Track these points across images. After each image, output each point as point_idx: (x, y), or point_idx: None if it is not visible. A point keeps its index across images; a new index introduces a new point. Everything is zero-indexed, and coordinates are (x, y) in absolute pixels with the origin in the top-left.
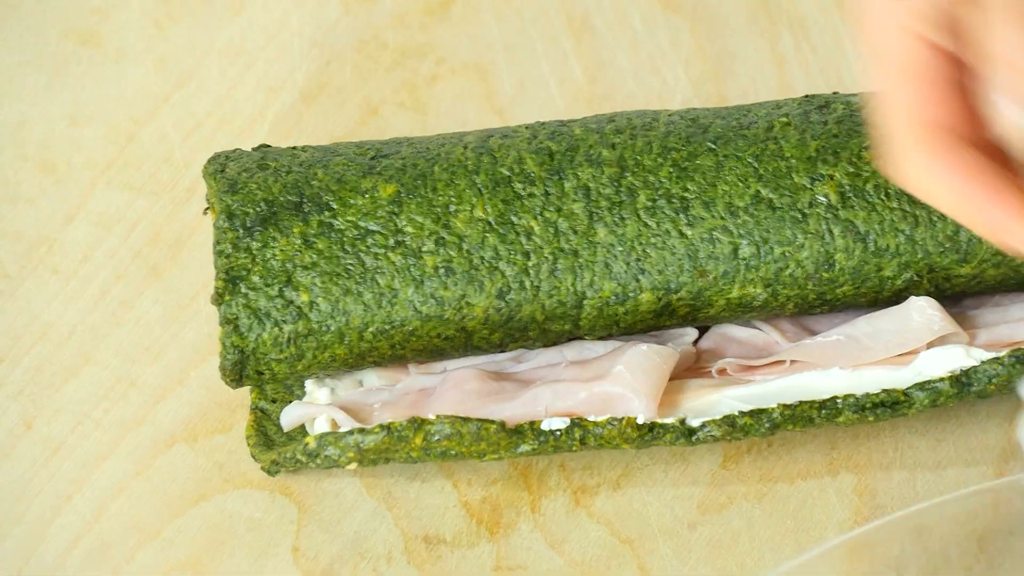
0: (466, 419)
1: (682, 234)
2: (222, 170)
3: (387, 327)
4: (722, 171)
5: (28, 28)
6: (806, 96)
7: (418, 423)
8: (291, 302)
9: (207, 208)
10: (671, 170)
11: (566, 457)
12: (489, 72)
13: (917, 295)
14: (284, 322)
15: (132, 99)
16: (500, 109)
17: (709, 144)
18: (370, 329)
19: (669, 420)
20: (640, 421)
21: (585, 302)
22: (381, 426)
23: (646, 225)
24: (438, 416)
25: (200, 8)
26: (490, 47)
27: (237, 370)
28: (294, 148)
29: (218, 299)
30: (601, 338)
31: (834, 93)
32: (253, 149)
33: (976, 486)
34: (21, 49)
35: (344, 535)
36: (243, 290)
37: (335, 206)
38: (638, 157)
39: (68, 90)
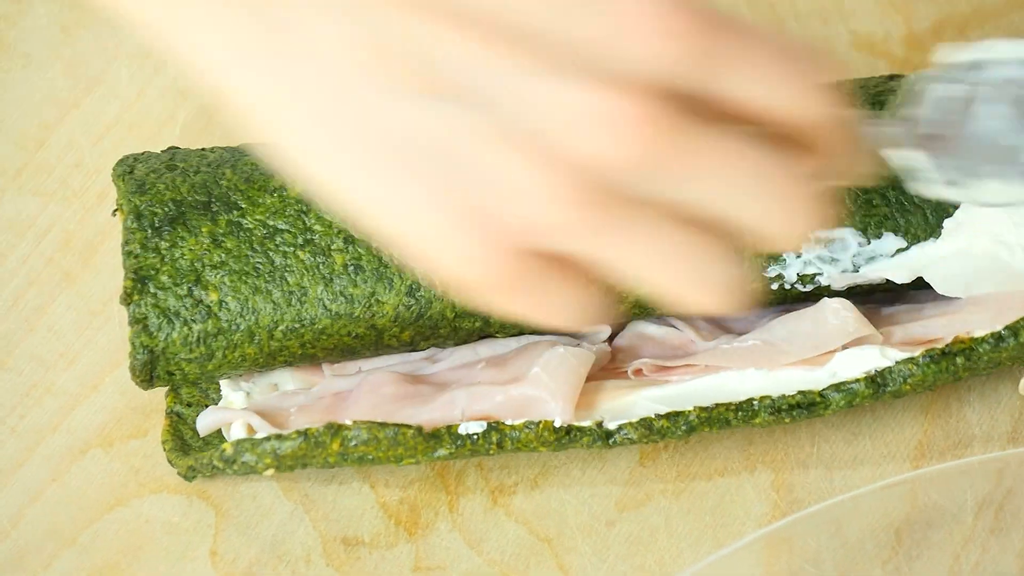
0: (383, 424)
1: None
2: (131, 171)
3: (297, 325)
4: None
5: None
6: None
7: (335, 428)
8: (200, 301)
9: (116, 209)
10: None
11: (484, 457)
12: None
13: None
14: (193, 321)
15: (41, 105)
16: None
17: None
18: (280, 328)
19: (586, 423)
20: (557, 424)
21: None
22: (298, 432)
23: None
24: (355, 422)
25: None
26: None
27: (147, 370)
28: (203, 149)
29: (127, 299)
30: (513, 335)
31: None
32: (162, 151)
33: (893, 479)
34: None
35: (262, 538)
36: (152, 290)
37: (243, 205)
38: None
39: None
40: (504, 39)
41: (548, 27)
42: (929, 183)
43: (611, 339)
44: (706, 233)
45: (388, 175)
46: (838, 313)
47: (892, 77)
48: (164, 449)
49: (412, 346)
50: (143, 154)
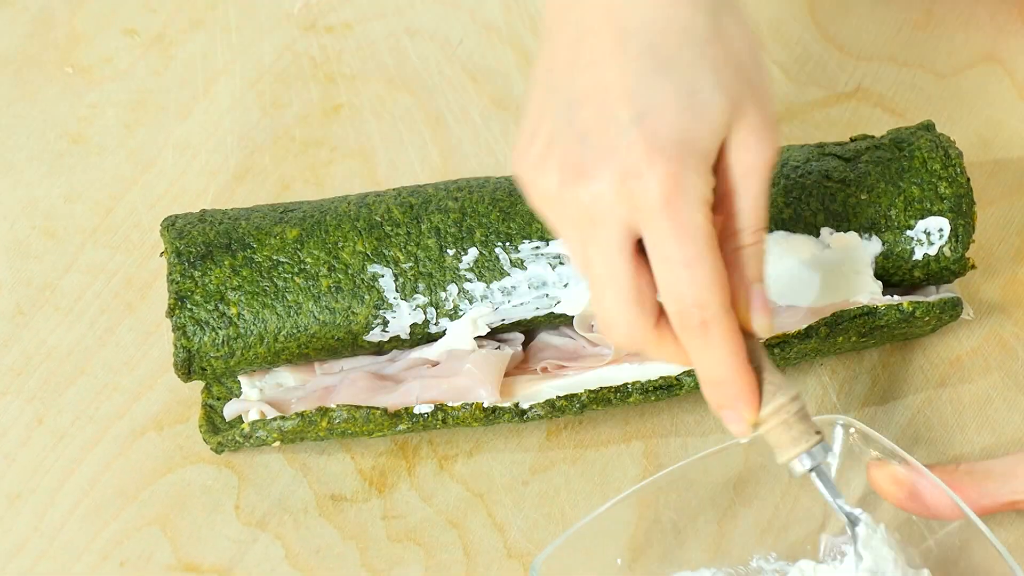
0: (359, 407)
1: (507, 258)
2: (173, 224)
3: (295, 331)
4: (535, 215)
5: (33, 131)
6: None
7: (324, 411)
8: (224, 314)
9: (162, 252)
10: (498, 214)
11: (433, 434)
12: (370, 156)
13: None
14: (219, 328)
15: (110, 182)
16: (378, 183)
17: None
18: (282, 333)
19: (506, 404)
20: (485, 405)
21: (439, 309)
22: (297, 414)
23: (481, 253)
24: (338, 405)
25: (158, 115)
26: (370, 138)
27: (186, 366)
28: (225, 210)
29: (170, 312)
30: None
31: None
32: (196, 212)
33: (728, 443)
34: (29, 147)
35: (272, 496)
36: (188, 306)
37: (254, 245)
38: (475, 206)
39: (63, 176)
40: None
41: None
42: None
43: (524, 345)
44: None
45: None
46: None
47: None
48: (200, 431)
49: (379, 348)
50: (183, 214)
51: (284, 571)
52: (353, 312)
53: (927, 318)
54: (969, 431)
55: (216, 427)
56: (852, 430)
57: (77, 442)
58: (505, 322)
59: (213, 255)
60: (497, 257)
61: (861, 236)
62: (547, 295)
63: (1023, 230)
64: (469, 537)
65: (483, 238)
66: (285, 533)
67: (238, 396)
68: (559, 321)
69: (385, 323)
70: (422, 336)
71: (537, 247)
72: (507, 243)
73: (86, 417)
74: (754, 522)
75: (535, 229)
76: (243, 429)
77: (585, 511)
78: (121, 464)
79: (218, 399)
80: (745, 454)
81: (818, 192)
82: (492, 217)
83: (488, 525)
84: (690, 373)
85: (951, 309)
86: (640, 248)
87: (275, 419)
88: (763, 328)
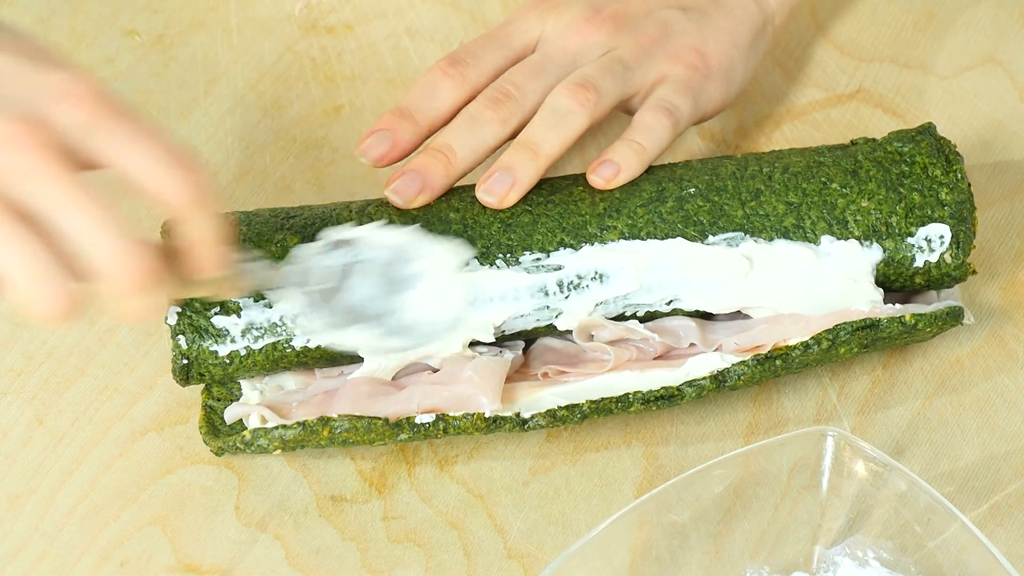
0: (360, 417)
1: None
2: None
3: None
4: (537, 225)
5: None
6: None
7: (325, 420)
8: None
9: None
10: (499, 226)
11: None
12: None
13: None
14: (218, 336)
15: (110, 182)
16: (380, 184)
17: (526, 207)
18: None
19: (508, 413)
20: (487, 415)
21: None
22: (298, 423)
23: (482, 264)
24: (340, 415)
25: (159, 115)
26: None
27: (184, 372)
28: (226, 213)
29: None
30: None
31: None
32: None
33: (731, 452)
34: None
35: (272, 496)
36: (188, 313)
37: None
38: (476, 217)
39: None
40: None
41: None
42: (309, 321)
43: (524, 349)
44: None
45: None
46: (685, 326)
47: (726, 157)
48: (200, 433)
49: None
50: None
51: (284, 572)
52: None
53: (929, 328)
54: (969, 432)
55: (216, 429)
56: (842, 441)
57: (77, 443)
58: (505, 333)
59: None
60: (497, 269)
61: (861, 244)
62: (548, 307)
63: (1023, 232)
64: (469, 538)
65: (484, 249)
66: (285, 534)
67: (238, 397)
68: (559, 332)
69: None
70: None
71: (538, 259)
72: (508, 254)
73: (86, 418)
74: (748, 536)
75: (536, 240)
76: (244, 436)
77: (585, 512)
78: (121, 465)
79: (218, 400)
80: (745, 460)
81: (818, 200)
82: (493, 228)
83: (488, 526)
84: (690, 384)
85: (953, 319)
86: None
87: (276, 428)
88: None
